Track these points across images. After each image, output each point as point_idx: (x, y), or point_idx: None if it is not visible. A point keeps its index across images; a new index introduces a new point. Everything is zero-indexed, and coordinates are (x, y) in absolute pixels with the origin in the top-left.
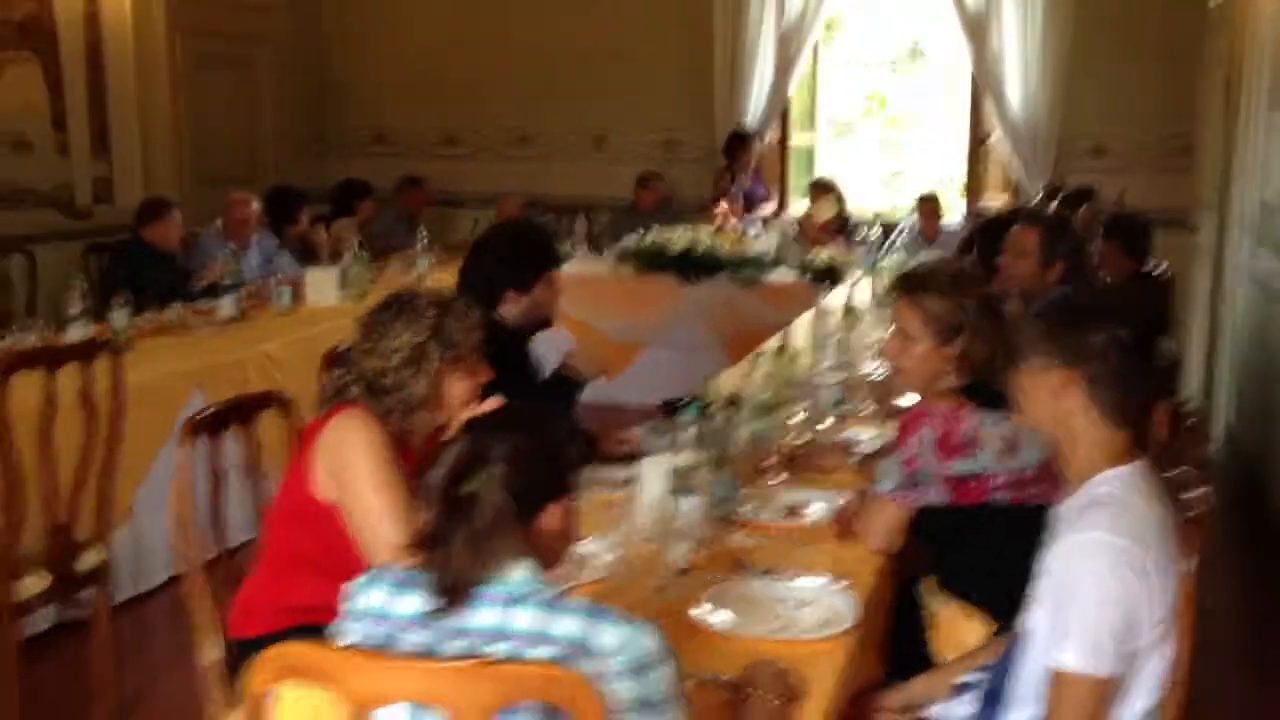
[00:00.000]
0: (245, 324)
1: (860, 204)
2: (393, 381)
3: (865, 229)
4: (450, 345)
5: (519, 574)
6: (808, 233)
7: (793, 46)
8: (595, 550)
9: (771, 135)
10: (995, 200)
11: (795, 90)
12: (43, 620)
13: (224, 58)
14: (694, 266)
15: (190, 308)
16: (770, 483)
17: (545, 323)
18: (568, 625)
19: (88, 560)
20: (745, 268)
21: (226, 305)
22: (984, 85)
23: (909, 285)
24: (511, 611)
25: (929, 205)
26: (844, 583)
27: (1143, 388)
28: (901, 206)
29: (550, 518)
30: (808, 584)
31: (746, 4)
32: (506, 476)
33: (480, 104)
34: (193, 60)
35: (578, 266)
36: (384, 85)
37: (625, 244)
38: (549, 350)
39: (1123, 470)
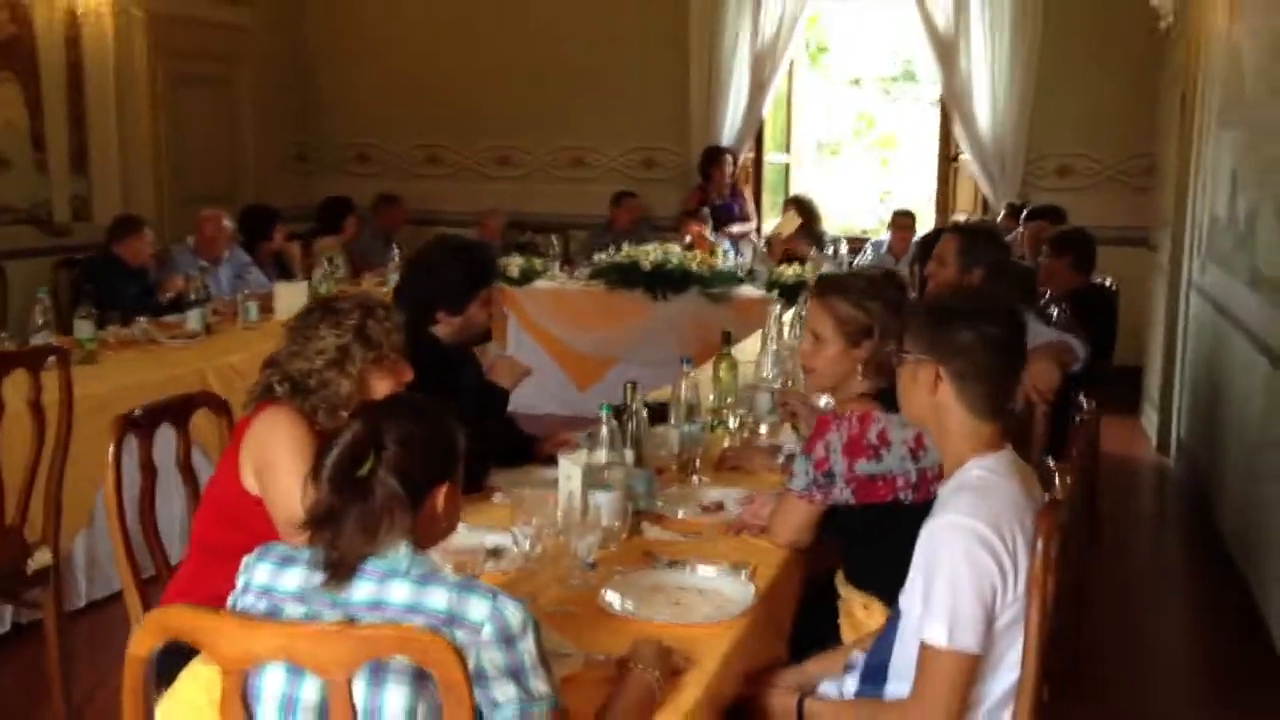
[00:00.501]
0: (212, 337)
1: (849, 222)
2: (318, 381)
3: (833, 245)
4: (372, 346)
5: (398, 551)
6: (775, 249)
7: (767, 68)
8: (511, 542)
9: (747, 155)
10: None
11: (770, 110)
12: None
13: (205, 78)
14: (664, 282)
15: (156, 321)
16: (697, 482)
17: (482, 338)
18: (438, 598)
19: (38, 561)
20: (714, 283)
21: (193, 319)
22: (953, 106)
23: (822, 288)
24: (387, 585)
25: (902, 220)
26: (744, 573)
27: (1012, 381)
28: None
29: (436, 499)
30: (707, 574)
31: (721, 26)
32: (398, 460)
33: (461, 124)
34: (173, 80)
35: (551, 283)
36: (366, 105)
37: (597, 261)
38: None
39: (989, 459)
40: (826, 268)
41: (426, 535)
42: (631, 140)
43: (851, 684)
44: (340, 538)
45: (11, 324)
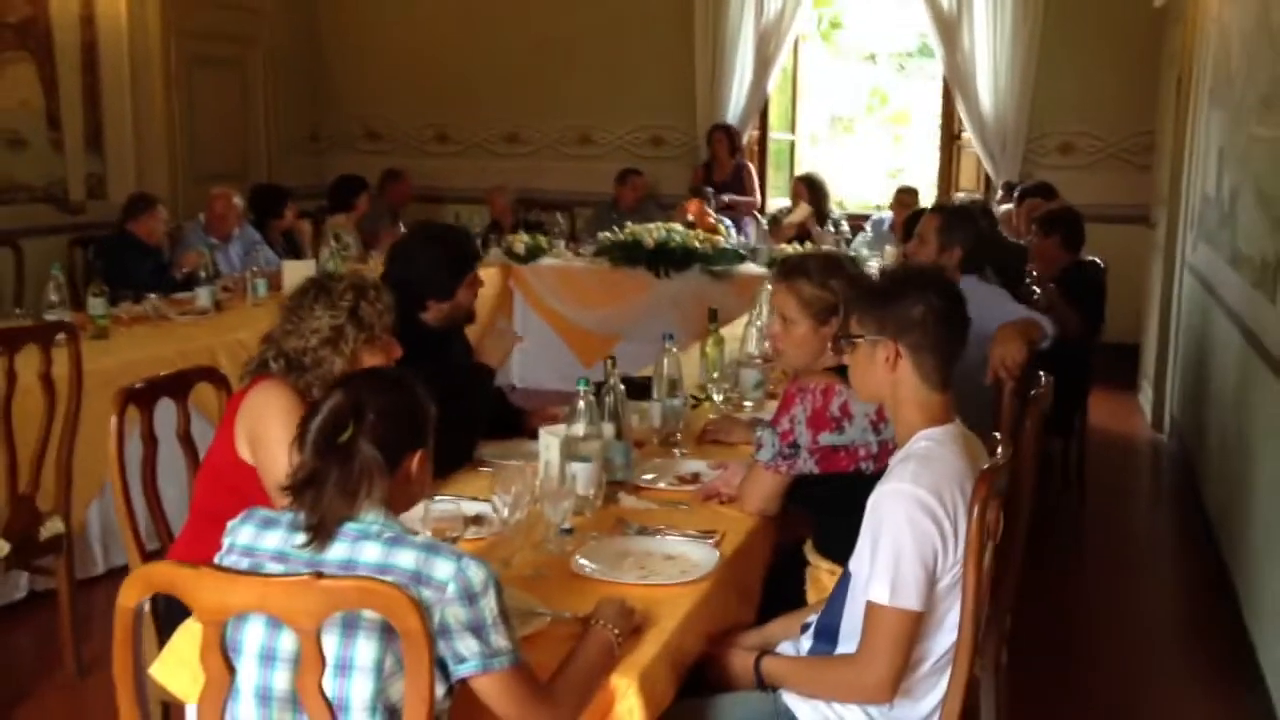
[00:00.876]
0: (221, 314)
1: (862, 199)
2: (312, 359)
3: (833, 224)
4: (365, 326)
5: (372, 514)
6: (783, 230)
7: (771, 45)
8: (490, 509)
9: (751, 133)
10: (969, 195)
11: (775, 88)
12: (16, 590)
13: (218, 58)
14: (666, 260)
15: (167, 298)
16: (678, 454)
17: (468, 320)
18: (406, 558)
19: (50, 529)
20: (717, 261)
21: (203, 296)
22: (955, 85)
23: (784, 272)
24: (359, 546)
25: (905, 198)
26: (711, 540)
27: (958, 350)
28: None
29: (410, 465)
30: (675, 540)
31: (726, 4)
32: (377, 428)
33: (470, 102)
34: (186, 60)
35: (557, 261)
36: (376, 84)
37: (601, 239)
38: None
39: (936, 430)
40: (826, 246)
41: (400, 500)
42: (638, 118)
43: (807, 643)
44: (321, 501)
45: (27, 300)
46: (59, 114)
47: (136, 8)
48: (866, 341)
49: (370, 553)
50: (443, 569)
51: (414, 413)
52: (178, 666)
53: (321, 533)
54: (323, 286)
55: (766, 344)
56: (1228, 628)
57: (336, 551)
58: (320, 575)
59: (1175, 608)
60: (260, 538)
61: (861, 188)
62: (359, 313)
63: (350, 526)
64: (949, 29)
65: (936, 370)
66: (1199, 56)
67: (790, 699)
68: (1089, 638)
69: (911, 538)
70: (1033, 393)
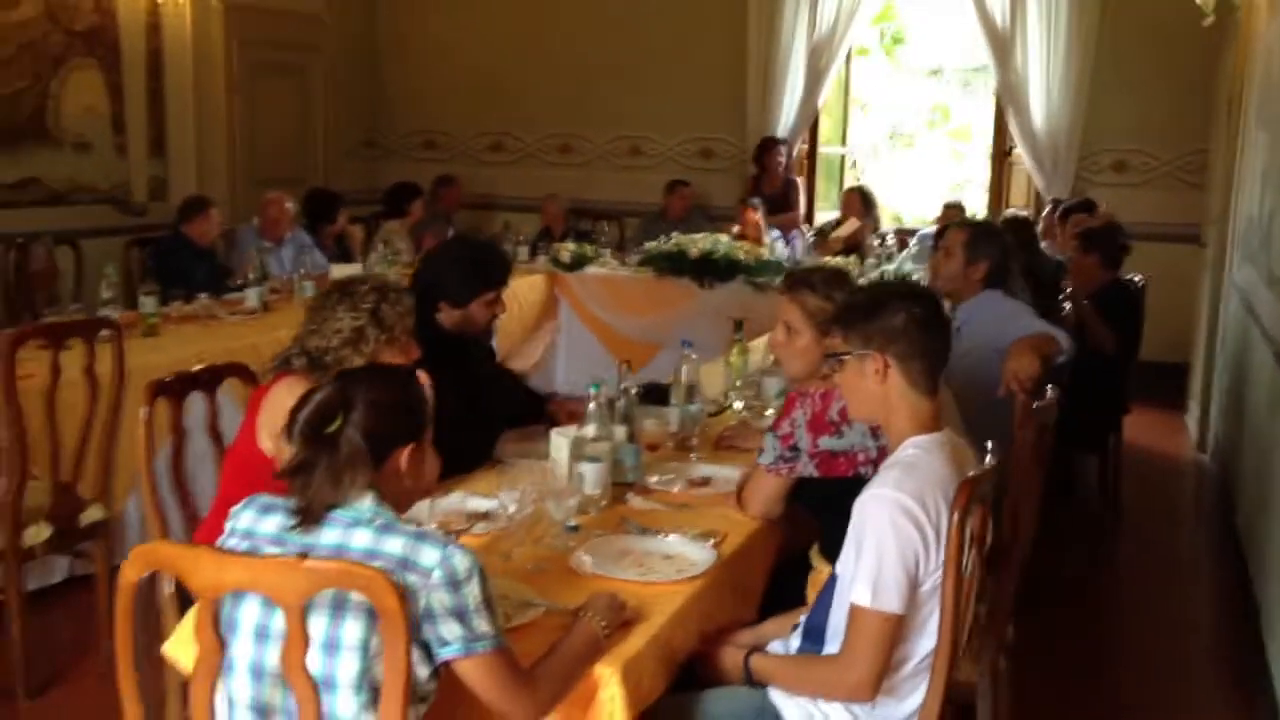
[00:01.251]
0: (268, 314)
1: (921, 214)
2: (334, 359)
3: (880, 237)
4: (385, 328)
5: (364, 503)
6: (830, 244)
7: (823, 59)
8: (498, 504)
9: (802, 146)
10: (1019, 212)
11: (827, 102)
12: (57, 573)
13: (279, 65)
14: (710, 271)
15: (217, 299)
16: (694, 459)
17: (483, 336)
18: (394, 545)
19: (90, 516)
20: (760, 273)
21: (251, 297)
22: (1007, 101)
23: (790, 284)
24: (351, 532)
25: (952, 214)
26: (711, 540)
27: (944, 355)
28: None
29: (399, 459)
30: (675, 540)
31: (780, 17)
32: (365, 420)
33: (525, 112)
34: (248, 67)
35: (602, 269)
36: (432, 93)
37: (647, 248)
38: None
39: (924, 439)
40: (870, 261)
41: (392, 491)
42: (689, 130)
43: (795, 642)
44: (310, 487)
45: (86, 298)
46: (124, 119)
47: (201, 17)
48: (854, 357)
49: (361, 539)
50: (429, 556)
51: (407, 408)
52: (186, 644)
53: (309, 518)
54: (346, 288)
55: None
56: (1247, 646)
57: (330, 537)
58: (305, 557)
59: (1197, 624)
60: (260, 522)
61: (920, 203)
62: (380, 314)
63: (343, 513)
64: (1002, 46)
65: (925, 375)
66: (1248, 77)
67: (776, 696)
68: (1105, 650)
69: (894, 541)
70: (1036, 405)
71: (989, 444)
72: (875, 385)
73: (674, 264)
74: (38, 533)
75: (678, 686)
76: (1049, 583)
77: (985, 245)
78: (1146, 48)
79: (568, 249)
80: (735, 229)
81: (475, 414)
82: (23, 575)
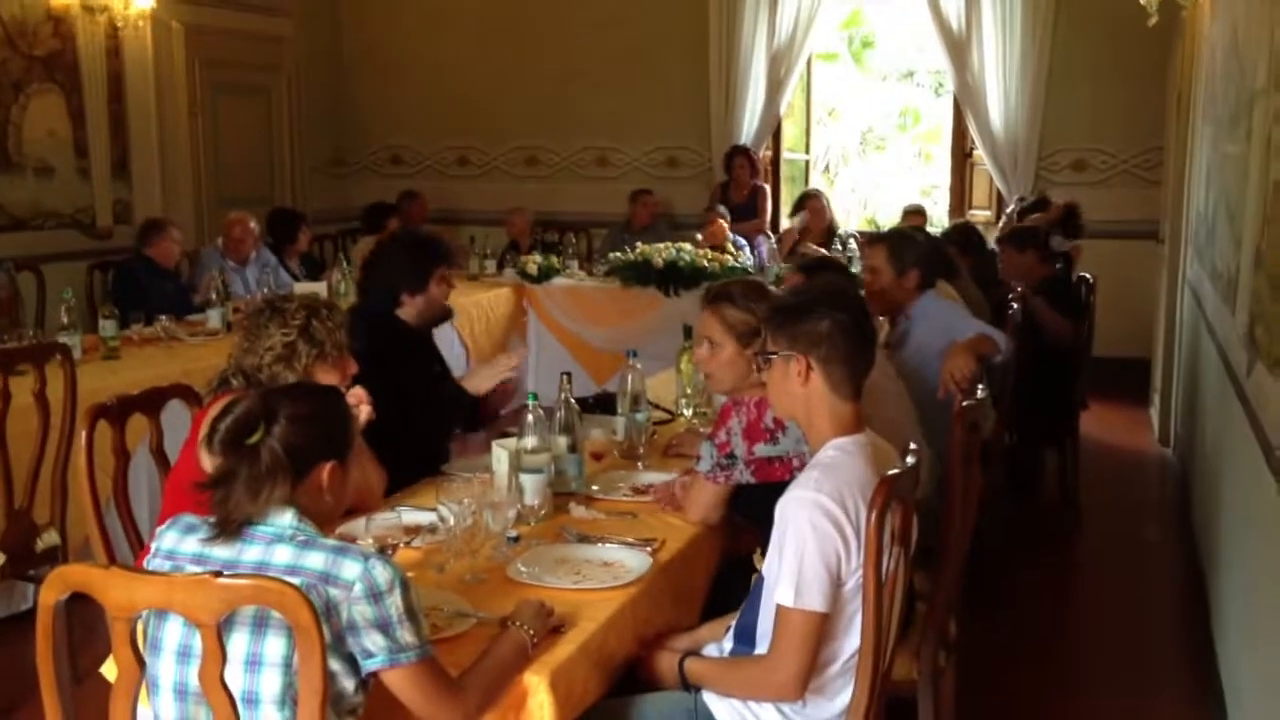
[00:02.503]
0: (231, 334)
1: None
2: (267, 375)
3: (841, 241)
4: (316, 343)
5: (285, 518)
6: (785, 246)
7: (782, 68)
8: (436, 517)
9: (764, 153)
10: (980, 213)
11: (787, 108)
12: (24, 601)
13: (242, 85)
14: (675, 279)
15: (179, 320)
16: (640, 467)
17: (443, 316)
18: (315, 560)
19: (46, 541)
20: (724, 279)
21: (214, 317)
22: (965, 103)
23: (710, 298)
24: (272, 549)
25: (913, 218)
26: (648, 547)
27: (867, 361)
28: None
29: (320, 475)
30: (612, 547)
31: (739, 27)
32: (286, 434)
33: (490, 126)
34: (211, 88)
35: (569, 281)
36: (398, 109)
37: (612, 258)
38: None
39: (846, 440)
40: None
41: (314, 508)
42: (654, 140)
43: (728, 644)
44: (229, 499)
45: (49, 324)
46: (86, 143)
47: (162, 39)
48: (780, 358)
49: (282, 555)
50: (349, 569)
51: (330, 423)
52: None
53: (228, 528)
54: (276, 306)
55: None
56: (1196, 638)
57: (251, 554)
58: (219, 574)
59: (1149, 617)
60: (182, 542)
61: (891, 205)
62: (310, 330)
63: (264, 529)
64: (958, 49)
65: (846, 381)
66: (1195, 74)
67: (709, 698)
68: (1053, 644)
69: (814, 541)
70: (965, 404)
71: (910, 445)
72: (798, 387)
73: (640, 273)
74: None
75: (618, 691)
76: (1002, 580)
77: (908, 251)
78: (1100, 47)
79: (534, 261)
80: (699, 237)
81: (423, 424)
82: None
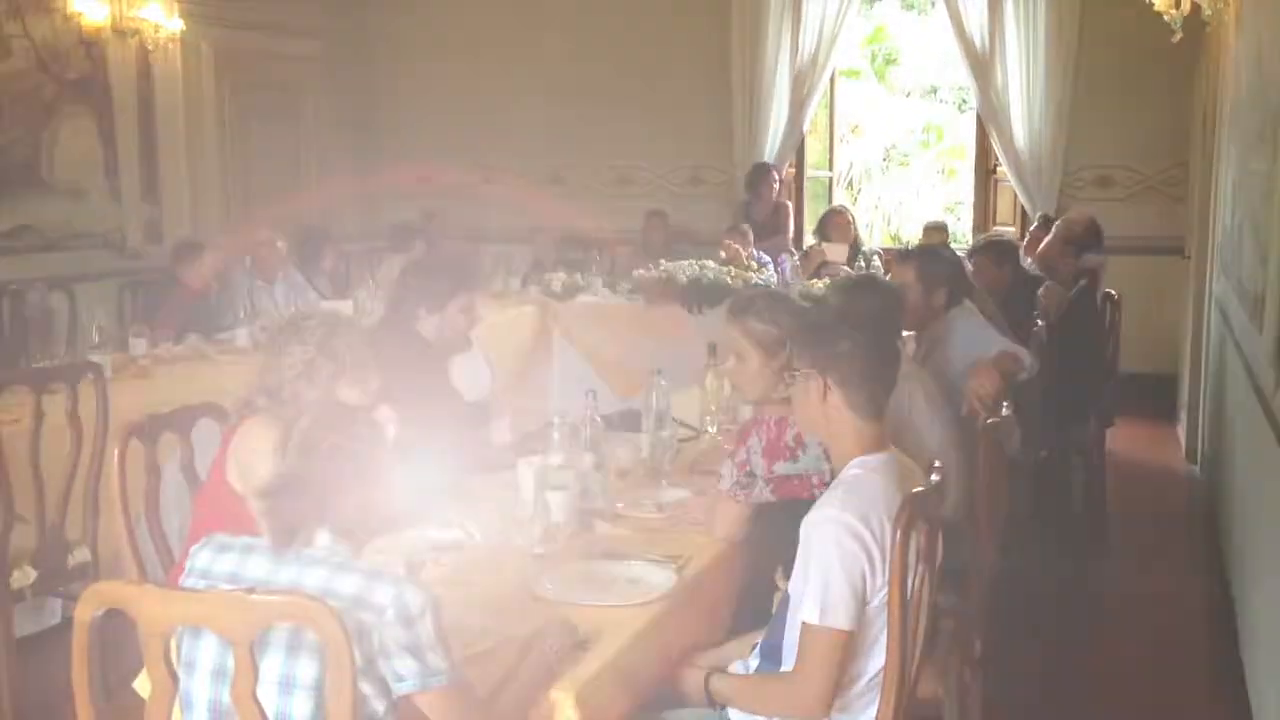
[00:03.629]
0: (259, 352)
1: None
2: (289, 393)
3: (865, 258)
4: (335, 359)
5: (320, 540)
6: (811, 262)
7: (807, 84)
8: (463, 535)
9: (789, 170)
10: (1004, 229)
11: (811, 125)
12: (52, 616)
13: (271, 106)
14: (699, 296)
15: (208, 339)
16: (665, 484)
17: (460, 346)
18: (347, 584)
19: (77, 558)
20: None
21: (241, 336)
22: (989, 120)
23: (733, 311)
24: (307, 571)
25: (934, 234)
26: (674, 564)
27: (890, 381)
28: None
29: (351, 499)
30: (638, 564)
31: (762, 44)
32: (323, 465)
33: (515, 145)
34: (240, 110)
35: (594, 298)
36: (425, 128)
37: (636, 276)
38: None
39: (870, 459)
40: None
41: (350, 528)
42: (678, 158)
43: (754, 662)
44: (280, 515)
45: (81, 343)
46: (117, 164)
47: (192, 61)
48: (801, 375)
49: (314, 577)
50: (382, 594)
51: (354, 452)
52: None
53: (288, 538)
54: (295, 324)
55: None
56: (1224, 656)
57: (286, 575)
58: (250, 590)
59: (1177, 634)
60: (216, 561)
61: (915, 222)
62: (329, 346)
63: (302, 551)
64: (982, 66)
65: (867, 401)
66: (1220, 90)
67: (735, 716)
68: (1080, 661)
69: (839, 560)
70: (989, 421)
71: (935, 463)
72: (818, 405)
73: (664, 291)
74: (24, 575)
75: (644, 707)
76: (1028, 597)
77: (937, 269)
78: (1125, 63)
79: (559, 279)
80: (721, 254)
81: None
82: (11, 618)
